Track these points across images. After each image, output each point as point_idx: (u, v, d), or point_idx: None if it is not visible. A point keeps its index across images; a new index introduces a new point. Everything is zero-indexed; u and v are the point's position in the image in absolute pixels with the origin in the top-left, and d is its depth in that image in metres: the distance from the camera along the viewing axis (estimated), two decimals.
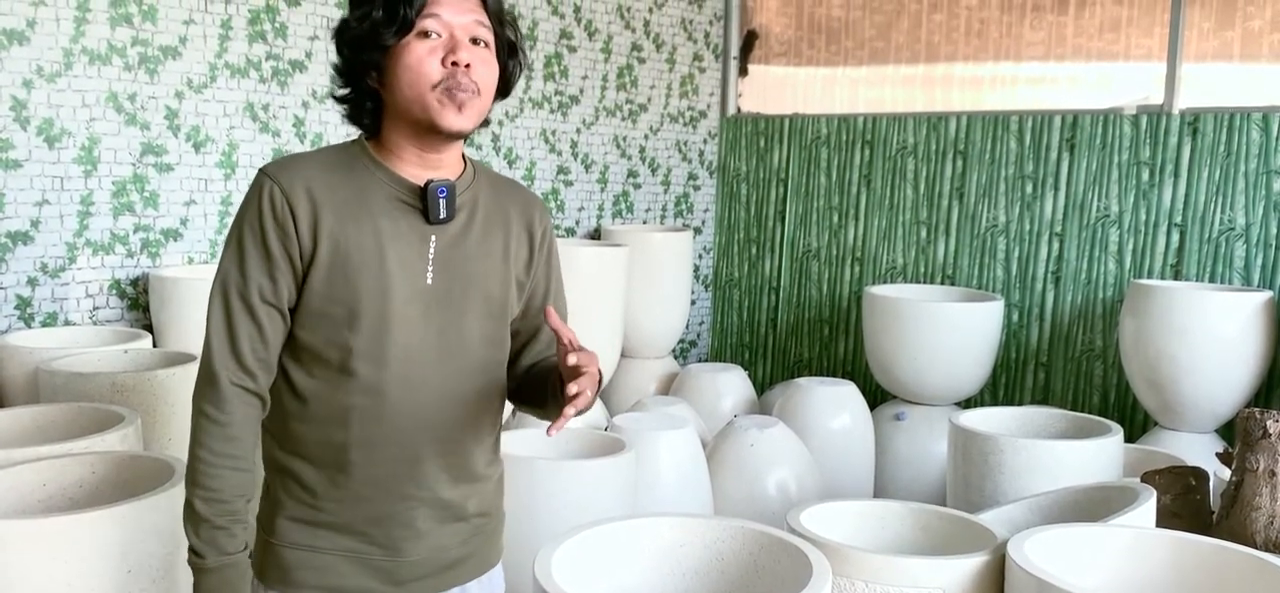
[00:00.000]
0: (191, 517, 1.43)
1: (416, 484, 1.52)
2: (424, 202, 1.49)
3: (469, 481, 1.58)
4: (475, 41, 1.48)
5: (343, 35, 1.50)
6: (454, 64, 1.45)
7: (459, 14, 1.47)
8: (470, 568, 1.61)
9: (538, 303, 1.66)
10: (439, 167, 1.52)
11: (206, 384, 1.45)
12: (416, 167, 1.51)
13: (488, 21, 1.50)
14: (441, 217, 1.50)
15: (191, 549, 1.44)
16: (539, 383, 1.61)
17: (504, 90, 1.58)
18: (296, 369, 1.50)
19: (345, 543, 1.51)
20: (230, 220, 3.82)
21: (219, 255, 1.48)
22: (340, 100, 1.55)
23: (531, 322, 1.67)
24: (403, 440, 1.50)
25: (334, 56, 1.53)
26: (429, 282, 1.50)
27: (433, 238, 1.51)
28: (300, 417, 1.50)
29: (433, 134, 1.48)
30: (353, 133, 1.58)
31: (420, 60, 1.44)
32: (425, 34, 1.45)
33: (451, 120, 1.46)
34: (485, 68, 1.49)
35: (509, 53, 1.55)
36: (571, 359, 1.39)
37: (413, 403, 1.50)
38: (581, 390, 1.39)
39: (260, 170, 1.48)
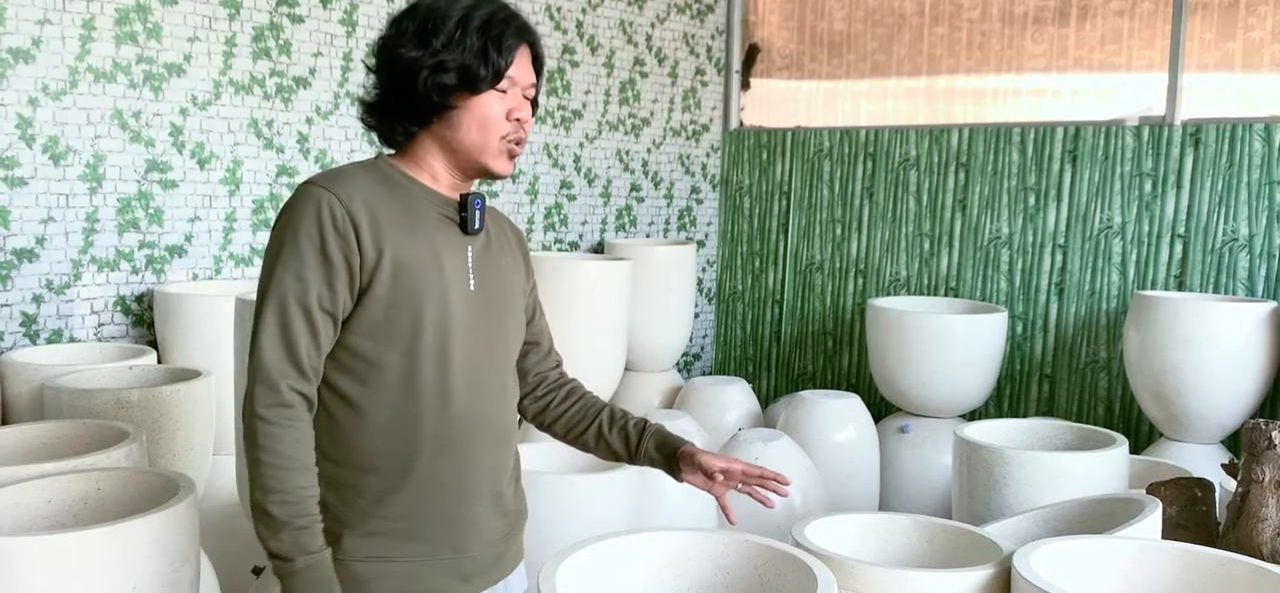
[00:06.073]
0: (269, 523, 1.42)
1: (479, 481, 1.61)
2: (463, 213, 1.59)
3: (513, 477, 1.71)
4: (528, 100, 1.62)
5: (415, 70, 1.52)
6: (518, 121, 1.58)
7: (525, 74, 1.59)
8: (510, 561, 1.71)
9: (530, 315, 1.80)
10: (467, 186, 1.64)
11: (266, 390, 1.44)
12: (448, 188, 1.61)
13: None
14: (475, 228, 1.60)
15: (276, 555, 1.42)
16: (607, 436, 1.82)
17: None
18: (348, 381, 1.52)
19: (417, 548, 1.55)
20: (234, 236, 3.86)
21: (264, 267, 1.50)
22: (374, 118, 1.61)
23: (531, 333, 1.81)
24: (468, 440, 1.58)
25: (371, 80, 1.59)
26: (472, 289, 1.59)
27: (469, 248, 1.61)
28: (358, 429, 1.52)
29: (479, 173, 1.61)
30: (354, 147, 1.63)
31: (496, 114, 1.56)
32: (502, 89, 1.56)
33: (504, 169, 1.60)
34: (530, 123, 1.63)
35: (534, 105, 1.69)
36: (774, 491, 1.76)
37: (473, 404, 1.58)
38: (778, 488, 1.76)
39: (309, 182, 1.51)
